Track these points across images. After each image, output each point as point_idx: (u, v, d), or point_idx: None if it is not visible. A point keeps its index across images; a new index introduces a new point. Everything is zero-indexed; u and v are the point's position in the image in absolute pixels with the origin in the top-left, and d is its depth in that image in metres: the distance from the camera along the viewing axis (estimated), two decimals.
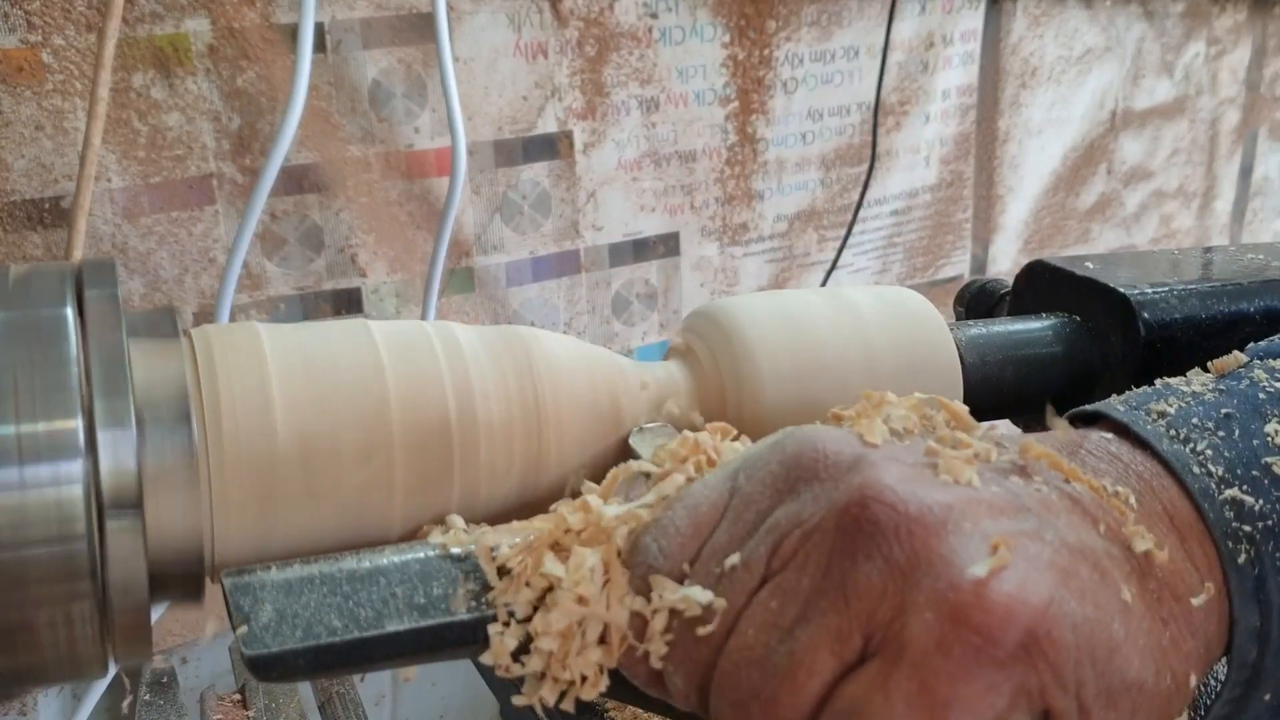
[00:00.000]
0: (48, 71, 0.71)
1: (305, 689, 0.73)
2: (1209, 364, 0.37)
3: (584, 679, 0.31)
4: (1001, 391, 0.44)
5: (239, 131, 0.78)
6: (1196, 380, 0.36)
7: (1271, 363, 0.36)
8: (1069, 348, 0.45)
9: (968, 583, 0.27)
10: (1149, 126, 1.33)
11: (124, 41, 0.73)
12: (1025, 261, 0.51)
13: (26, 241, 0.73)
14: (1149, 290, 0.44)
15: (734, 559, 0.29)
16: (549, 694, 0.31)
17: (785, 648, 0.28)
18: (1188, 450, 0.32)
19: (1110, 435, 0.33)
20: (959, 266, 1.23)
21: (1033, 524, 0.29)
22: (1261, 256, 0.50)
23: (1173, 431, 0.33)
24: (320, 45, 0.80)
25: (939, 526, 0.28)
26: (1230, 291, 0.45)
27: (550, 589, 0.31)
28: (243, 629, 0.31)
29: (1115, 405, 0.35)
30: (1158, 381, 0.36)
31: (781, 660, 0.28)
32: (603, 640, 0.31)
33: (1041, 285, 0.48)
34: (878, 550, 0.27)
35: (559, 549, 0.32)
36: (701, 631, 0.29)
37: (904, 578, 0.27)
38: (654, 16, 0.94)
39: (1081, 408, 0.36)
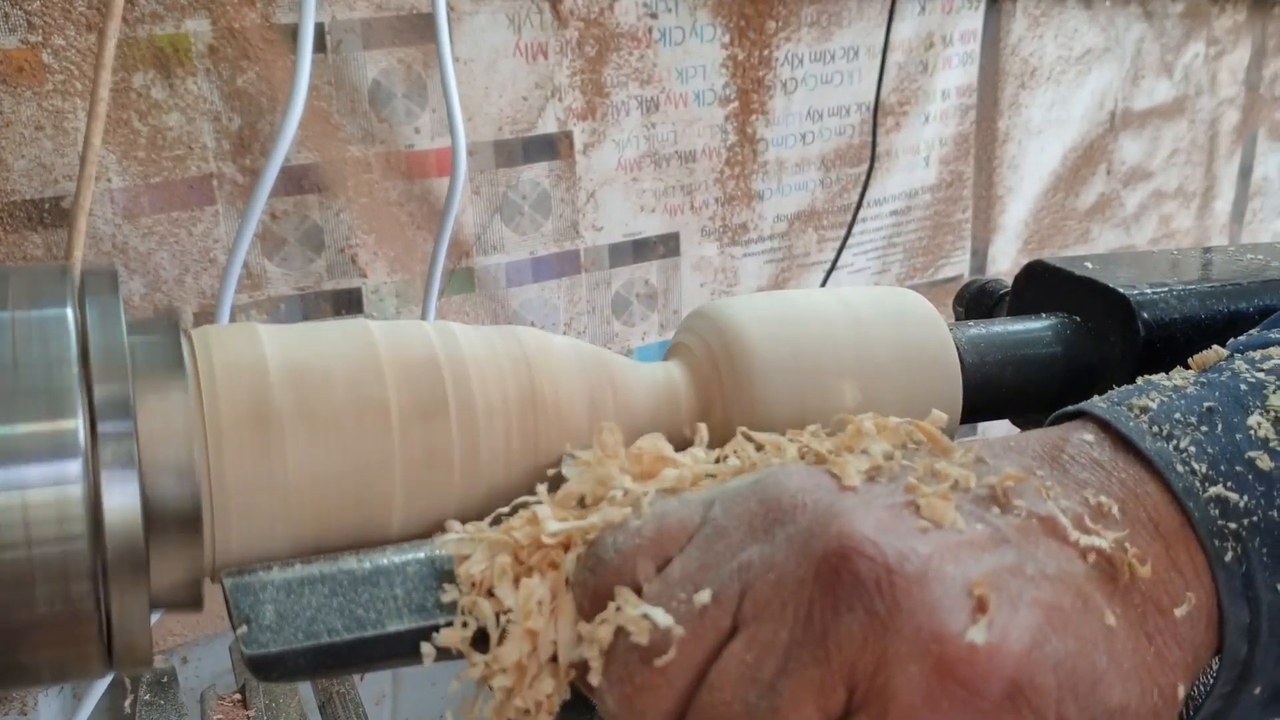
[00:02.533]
0: (48, 72, 0.71)
1: (305, 689, 0.73)
2: (1190, 359, 0.37)
3: (539, 705, 0.31)
4: (1001, 391, 0.44)
5: (239, 132, 0.78)
6: (1178, 375, 0.36)
7: (1251, 354, 0.36)
8: (1068, 348, 0.45)
9: (950, 634, 0.27)
10: (1149, 127, 1.33)
11: (124, 42, 0.73)
12: (1025, 261, 0.51)
13: (27, 241, 0.73)
14: (1148, 290, 0.44)
15: (705, 595, 0.29)
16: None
17: (767, 703, 0.28)
18: (1170, 448, 0.32)
19: (1091, 438, 0.33)
20: (959, 266, 1.24)
21: (1013, 558, 0.29)
22: (1261, 257, 0.50)
23: (1155, 428, 0.32)
24: (320, 45, 0.80)
25: (919, 576, 0.28)
26: (1230, 291, 0.46)
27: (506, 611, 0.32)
28: (243, 629, 0.31)
29: (1097, 403, 0.34)
30: (1139, 379, 0.36)
31: (764, 716, 0.28)
32: (555, 659, 0.31)
33: (1041, 285, 0.48)
34: (859, 601, 0.27)
35: (518, 563, 0.32)
36: (659, 662, 0.29)
37: (885, 628, 0.27)
38: (654, 17, 0.94)
39: (1065, 408, 0.36)
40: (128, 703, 0.76)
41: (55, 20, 0.71)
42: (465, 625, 0.32)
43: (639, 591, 0.30)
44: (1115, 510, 0.31)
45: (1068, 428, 0.34)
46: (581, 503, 0.34)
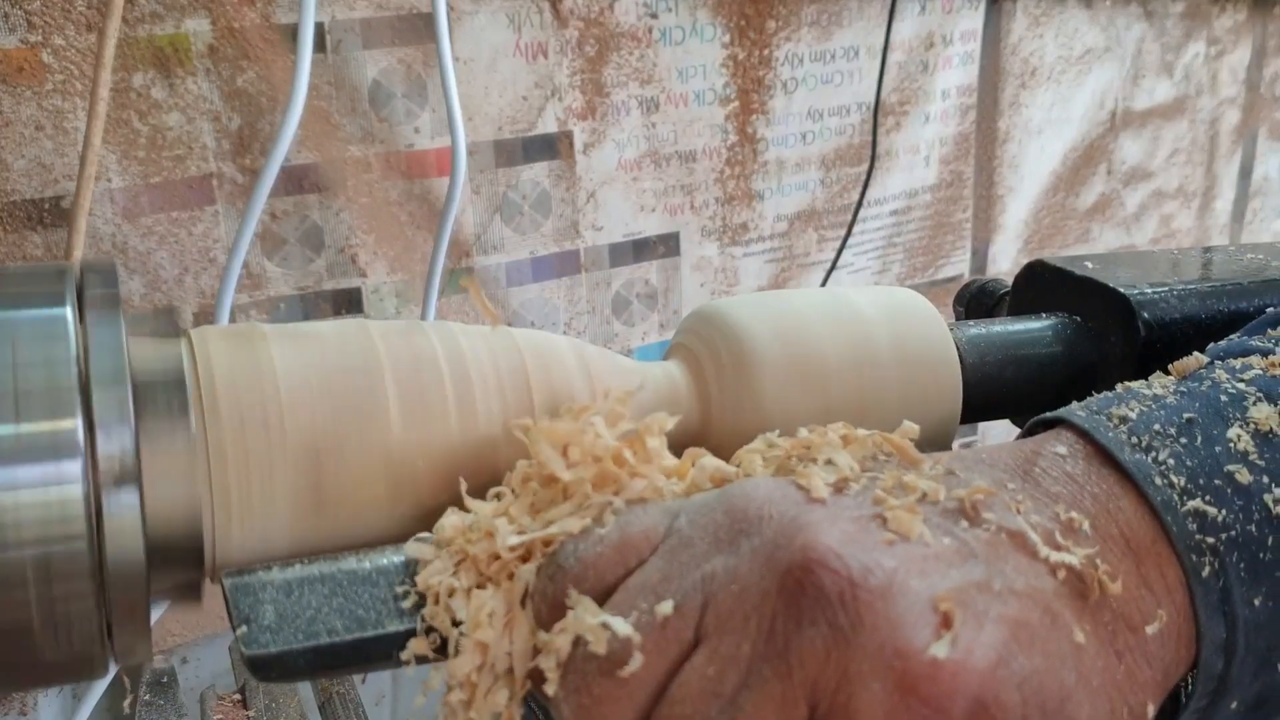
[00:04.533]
0: (48, 71, 0.71)
1: (305, 689, 0.73)
2: (1169, 366, 0.37)
3: (496, 718, 0.31)
4: (1001, 391, 0.44)
5: (239, 131, 0.78)
6: (1158, 383, 0.35)
7: (1232, 362, 0.35)
8: (1069, 348, 0.45)
9: (913, 650, 0.26)
10: (1149, 126, 1.33)
11: (124, 41, 0.73)
12: (1025, 261, 0.51)
13: (26, 241, 0.73)
14: (1149, 290, 0.44)
15: (667, 606, 0.28)
16: None
17: (727, 717, 0.27)
18: (1149, 460, 0.31)
19: (1064, 451, 0.32)
20: (959, 266, 1.24)
21: (981, 573, 0.28)
22: (1261, 256, 0.50)
23: (1134, 439, 0.32)
24: (320, 45, 0.80)
25: (883, 590, 0.27)
26: (1230, 291, 0.45)
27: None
28: (243, 629, 0.31)
29: (1076, 411, 0.34)
30: (1119, 386, 0.36)
31: None
32: (512, 670, 0.31)
33: (1041, 285, 0.48)
34: (822, 615, 0.27)
35: (478, 573, 0.32)
36: (620, 673, 0.28)
37: (848, 643, 0.26)
38: (654, 16, 0.94)
39: (1043, 415, 0.35)
40: (128, 703, 0.76)
41: (55, 20, 0.71)
42: (429, 634, 0.31)
43: (601, 601, 0.30)
44: (1086, 526, 0.30)
45: (1042, 439, 0.34)
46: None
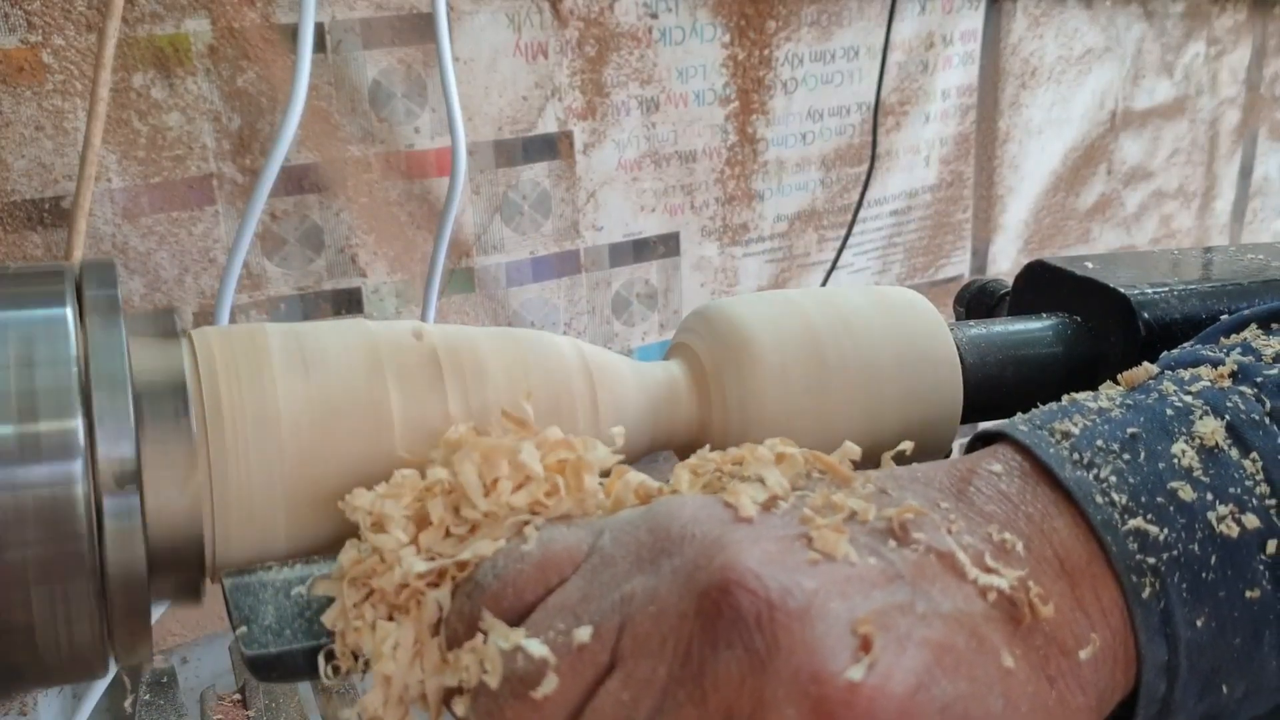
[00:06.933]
0: (48, 71, 0.71)
1: (305, 689, 0.73)
2: (1119, 375, 0.36)
3: None
4: (1001, 391, 0.44)
5: (239, 131, 0.78)
6: (1105, 395, 0.35)
7: (1180, 373, 0.35)
8: (1069, 348, 0.45)
9: (830, 675, 0.25)
10: (1149, 126, 1.33)
11: (124, 41, 0.73)
12: (1025, 261, 0.51)
13: (26, 241, 0.73)
14: (1149, 290, 0.44)
15: (584, 633, 0.28)
16: None
17: None
18: (1090, 477, 0.31)
19: (1000, 469, 0.32)
20: (959, 266, 1.24)
21: (905, 595, 0.27)
22: (1261, 256, 0.50)
23: (1076, 456, 0.31)
24: (320, 45, 0.80)
25: (802, 613, 0.26)
26: (1230, 291, 0.45)
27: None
28: (243, 629, 0.31)
29: (1019, 425, 0.33)
30: (1065, 397, 0.35)
31: None
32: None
33: (1041, 285, 0.48)
34: (738, 638, 0.26)
35: (390, 606, 0.31)
36: (534, 694, 0.27)
37: (763, 668, 0.26)
38: (654, 16, 0.94)
39: (985, 427, 0.35)
40: (128, 703, 0.76)
41: (55, 20, 0.71)
42: (335, 671, 0.31)
43: (520, 620, 0.29)
44: (1019, 547, 0.29)
45: (979, 456, 0.33)
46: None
